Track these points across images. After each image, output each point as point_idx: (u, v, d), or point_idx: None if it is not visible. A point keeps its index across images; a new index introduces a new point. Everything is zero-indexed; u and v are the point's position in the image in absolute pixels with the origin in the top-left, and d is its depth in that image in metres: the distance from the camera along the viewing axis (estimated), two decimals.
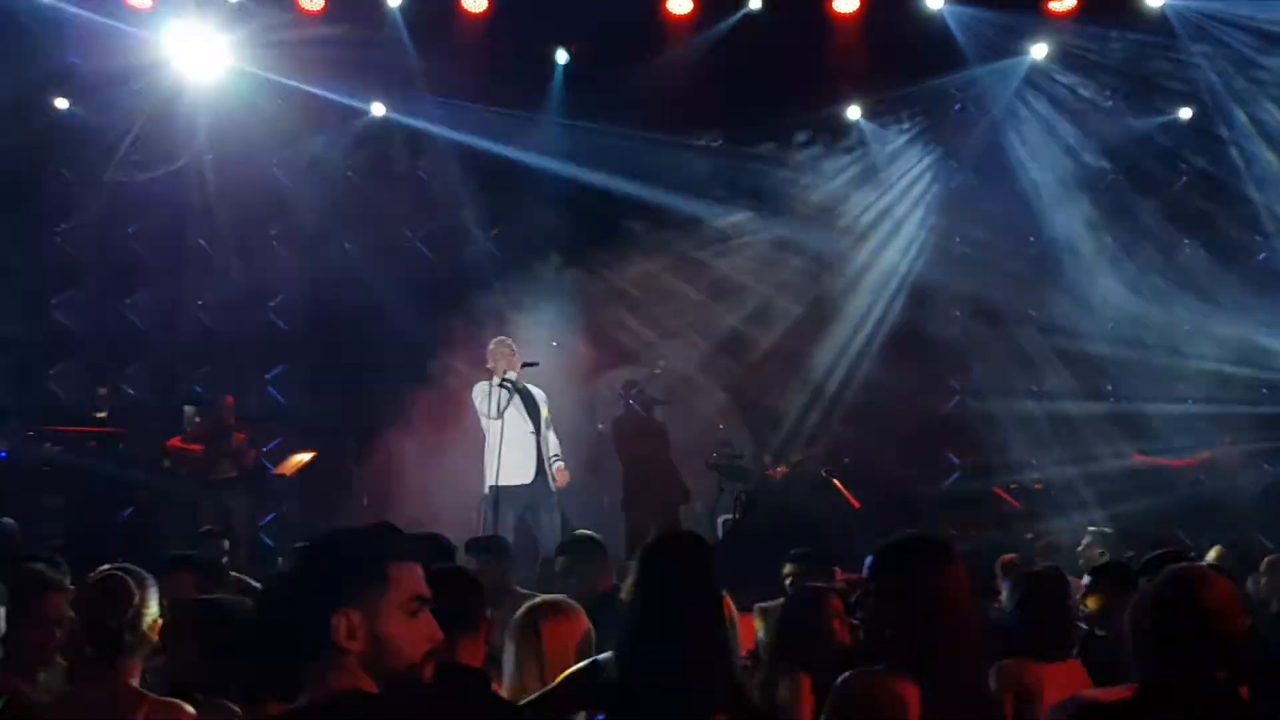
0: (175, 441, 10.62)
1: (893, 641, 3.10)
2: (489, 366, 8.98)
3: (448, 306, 11.49)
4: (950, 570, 3.08)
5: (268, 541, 11.29)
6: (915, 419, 12.45)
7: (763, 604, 5.17)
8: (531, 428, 8.91)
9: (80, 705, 3.17)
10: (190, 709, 3.16)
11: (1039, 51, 11.87)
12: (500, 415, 8.73)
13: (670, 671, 3.16)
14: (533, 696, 3.54)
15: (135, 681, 3.22)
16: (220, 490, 10.29)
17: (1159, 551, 5.02)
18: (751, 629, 5.13)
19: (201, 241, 12.42)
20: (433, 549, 4.54)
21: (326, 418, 12.12)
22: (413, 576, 2.20)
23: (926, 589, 3.06)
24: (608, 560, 5.39)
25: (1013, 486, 11.64)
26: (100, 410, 10.87)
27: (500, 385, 8.79)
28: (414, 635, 2.15)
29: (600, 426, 12.06)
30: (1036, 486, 11.69)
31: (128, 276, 12.42)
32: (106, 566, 3.55)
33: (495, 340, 9.18)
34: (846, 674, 3.12)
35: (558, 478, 9.00)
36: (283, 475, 11.10)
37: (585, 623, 3.84)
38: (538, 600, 4.00)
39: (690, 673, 3.18)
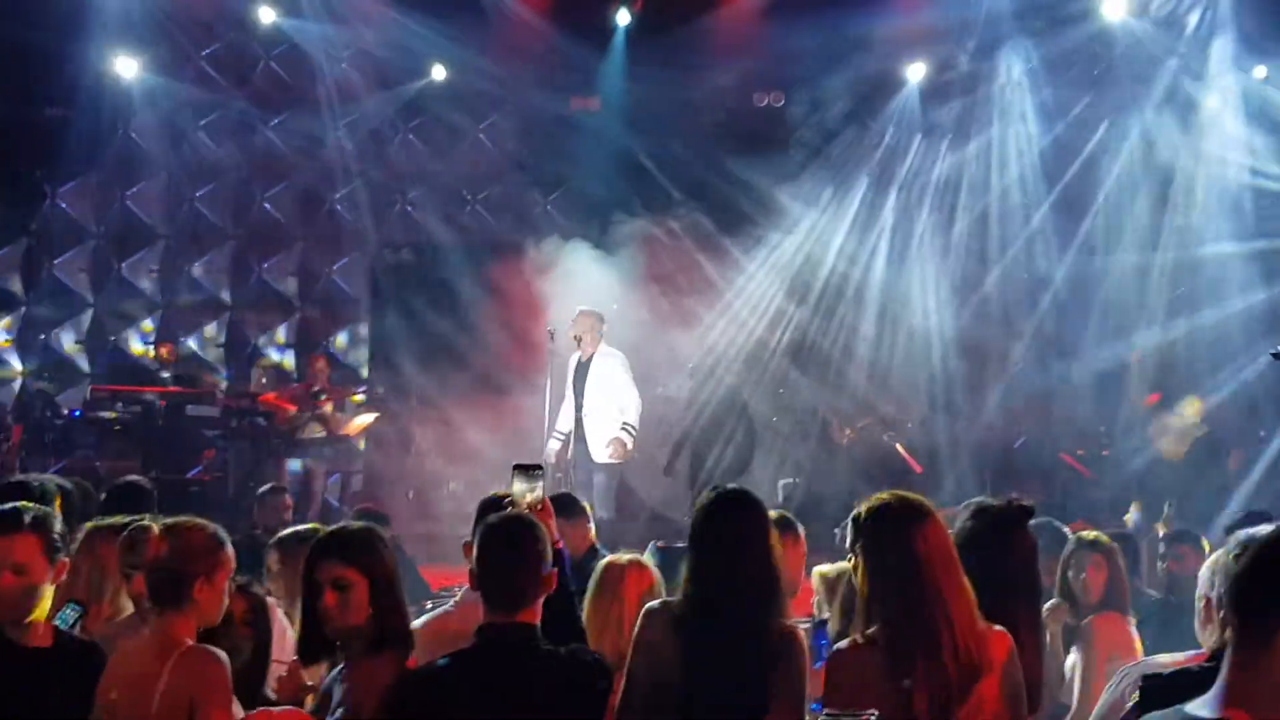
0: (270, 397, 10.74)
1: (866, 608, 3.02)
2: (572, 336, 9.05)
3: (507, 269, 11.49)
4: (919, 530, 2.97)
5: (332, 502, 11.43)
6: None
7: (821, 568, 5.10)
8: (576, 406, 9.00)
9: (121, 648, 3.21)
10: (223, 656, 3.05)
11: None
12: (570, 389, 9.00)
13: (731, 608, 3.24)
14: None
15: (188, 637, 3.09)
16: (306, 449, 10.45)
17: (1245, 513, 4.96)
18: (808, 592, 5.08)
19: (267, 205, 12.57)
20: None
21: (388, 380, 12.24)
22: None
23: (892, 551, 2.96)
24: (588, 519, 5.45)
25: (1080, 453, 11.32)
26: (166, 370, 11.01)
27: (580, 363, 9.03)
28: None
29: (660, 389, 11.98)
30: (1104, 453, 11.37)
31: (197, 241, 12.60)
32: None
33: (580, 311, 9.18)
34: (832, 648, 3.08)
35: (612, 450, 8.93)
36: (346, 436, 11.20)
37: (655, 573, 4.13)
38: (619, 556, 4.28)
39: (750, 603, 3.25)
